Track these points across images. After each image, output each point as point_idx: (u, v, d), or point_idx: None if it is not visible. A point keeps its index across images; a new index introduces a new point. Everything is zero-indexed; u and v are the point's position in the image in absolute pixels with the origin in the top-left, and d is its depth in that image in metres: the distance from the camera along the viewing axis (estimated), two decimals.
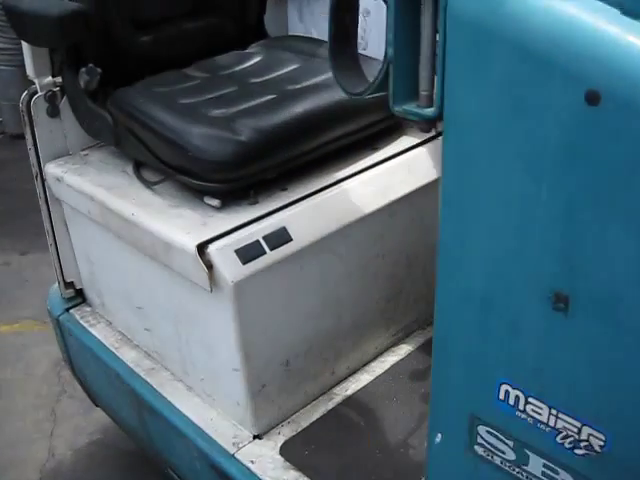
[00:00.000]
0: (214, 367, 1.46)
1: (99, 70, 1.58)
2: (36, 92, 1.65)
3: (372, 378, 1.58)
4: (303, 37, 1.88)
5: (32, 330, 2.60)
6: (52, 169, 1.67)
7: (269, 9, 1.90)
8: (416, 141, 1.61)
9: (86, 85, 1.59)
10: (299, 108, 1.45)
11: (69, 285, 1.85)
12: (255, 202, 1.41)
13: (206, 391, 1.53)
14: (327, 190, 1.46)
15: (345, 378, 1.58)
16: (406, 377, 1.57)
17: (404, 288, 1.64)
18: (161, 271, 1.45)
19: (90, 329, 1.80)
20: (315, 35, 1.84)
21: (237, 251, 1.30)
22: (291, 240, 1.35)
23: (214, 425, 1.48)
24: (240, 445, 1.43)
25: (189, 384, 1.58)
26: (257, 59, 1.73)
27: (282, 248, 1.34)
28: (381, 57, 0.95)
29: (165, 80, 1.65)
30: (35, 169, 1.71)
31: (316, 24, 1.80)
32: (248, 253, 1.30)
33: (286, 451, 1.42)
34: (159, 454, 1.72)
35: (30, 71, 1.66)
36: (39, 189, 1.73)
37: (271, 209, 1.39)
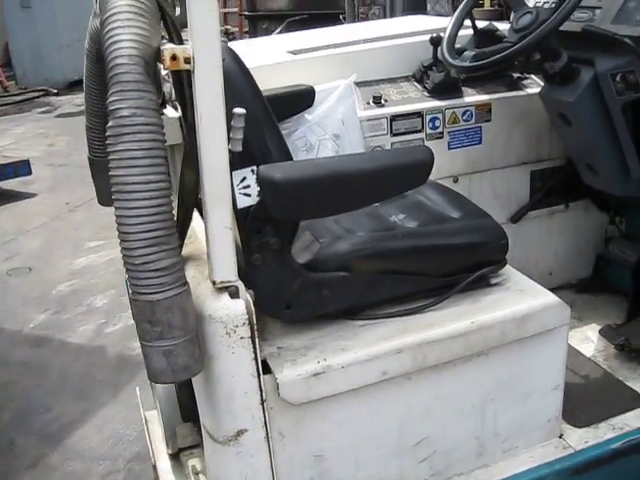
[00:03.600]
0: (527, 410, 1.61)
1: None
2: (239, 307, 1.26)
3: None
4: None
5: None
6: (291, 372, 1.34)
7: None
8: None
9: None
10: None
11: None
12: None
13: (506, 446, 1.63)
14: None
15: None
16: None
17: None
18: (475, 362, 1.50)
19: None
20: None
21: None
22: None
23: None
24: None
25: (483, 463, 1.62)
26: None
27: None
28: None
29: (320, 226, 1.58)
30: (255, 397, 1.29)
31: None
32: None
33: None
34: None
35: (230, 272, 1.23)
36: (257, 419, 1.31)
37: None
